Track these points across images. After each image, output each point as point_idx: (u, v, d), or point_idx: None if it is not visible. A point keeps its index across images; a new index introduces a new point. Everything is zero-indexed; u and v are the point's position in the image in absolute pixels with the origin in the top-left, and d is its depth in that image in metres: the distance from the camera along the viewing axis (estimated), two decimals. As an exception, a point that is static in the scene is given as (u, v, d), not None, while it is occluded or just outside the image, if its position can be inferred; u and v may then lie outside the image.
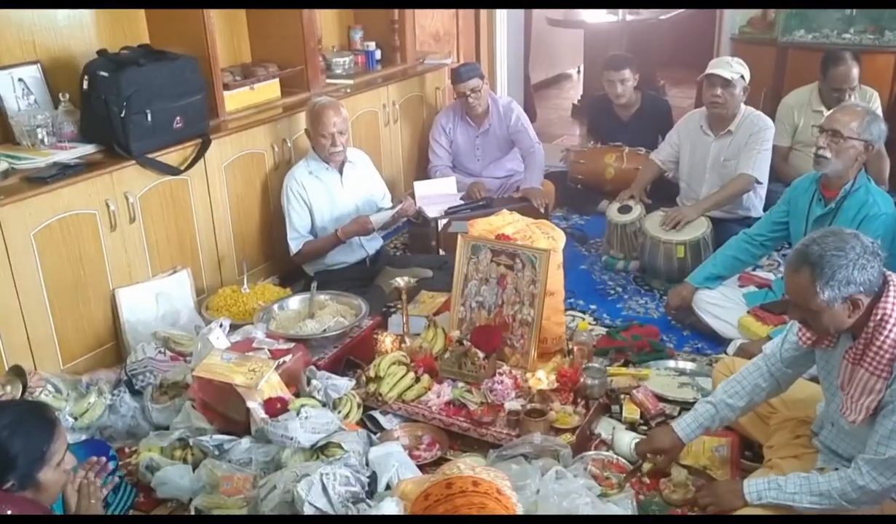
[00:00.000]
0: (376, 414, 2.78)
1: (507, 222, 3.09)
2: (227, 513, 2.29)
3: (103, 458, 2.24)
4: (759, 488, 2.09)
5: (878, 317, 1.92)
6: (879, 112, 4.18)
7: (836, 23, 4.75)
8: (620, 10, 6.47)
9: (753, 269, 3.50)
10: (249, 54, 4.10)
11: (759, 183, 3.80)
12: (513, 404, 2.67)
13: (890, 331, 1.90)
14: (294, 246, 3.56)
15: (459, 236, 3.06)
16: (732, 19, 5.18)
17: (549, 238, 3.03)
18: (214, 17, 3.53)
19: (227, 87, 3.64)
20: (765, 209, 3.67)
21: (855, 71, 4.04)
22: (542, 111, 7.05)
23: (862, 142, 2.86)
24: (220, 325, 2.80)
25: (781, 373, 2.29)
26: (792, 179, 3.34)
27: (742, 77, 3.73)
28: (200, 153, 3.32)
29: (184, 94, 3.21)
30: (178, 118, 3.20)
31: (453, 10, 5.58)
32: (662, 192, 4.21)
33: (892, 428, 1.92)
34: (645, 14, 6.64)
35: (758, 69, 4.45)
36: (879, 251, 1.93)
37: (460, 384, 2.82)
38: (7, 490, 1.84)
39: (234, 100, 3.69)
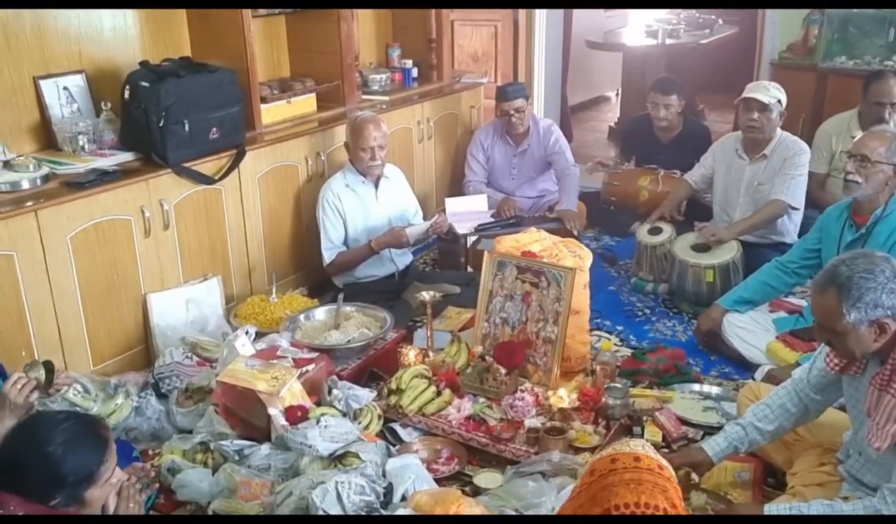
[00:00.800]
0: (396, 426, 2.79)
1: (534, 240, 3.10)
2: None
3: (147, 465, 2.27)
4: (781, 513, 2.05)
5: None
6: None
7: (879, 50, 4.69)
8: (660, 34, 6.44)
9: (786, 295, 3.44)
10: (288, 69, 4.19)
11: (793, 208, 3.75)
12: (533, 421, 2.67)
13: None
14: (328, 256, 3.60)
15: (486, 252, 3.08)
16: (772, 44, 5.14)
17: (575, 257, 3.03)
18: (255, 31, 3.61)
19: (264, 100, 3.72)
20: (800, 235, 3.62)
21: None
22: (578, 133, 7.05)
23: (891, 166, 2.83)
24: (246, 333, 2.85)
25: (810, 400, 2.25)
26: (828, 206, 3.29)
27: (779, 102, 3.70)
28: (235, 164, 3.38)
29: (221, 106, 3.28)
30: (214, 129, 3.27)
31: (492, 31, 5.64)
32: (696, 214, 4.17)
33: None
34: (685, 38, 6.62)
35: (797, 95, 4.43)
36: None
37: (481, 399, 2.81)
38: (53, 506, 1.81)
39: (271, 113, 3.76)
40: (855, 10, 4.75)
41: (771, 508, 2.07)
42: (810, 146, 3.96)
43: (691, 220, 4.00)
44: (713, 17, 7.26)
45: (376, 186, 3.66)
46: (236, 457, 2.51)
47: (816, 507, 2.00)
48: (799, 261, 3.18)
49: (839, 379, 2.16)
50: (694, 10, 7.47)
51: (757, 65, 5.28)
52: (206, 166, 3.30)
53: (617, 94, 8.22)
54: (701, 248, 3.69)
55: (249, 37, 3.51)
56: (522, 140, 4.48)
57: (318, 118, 3.95)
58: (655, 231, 3.91)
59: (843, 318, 1.89)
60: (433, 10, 4.69)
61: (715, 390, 3.00)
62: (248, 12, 3.49)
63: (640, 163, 4.70)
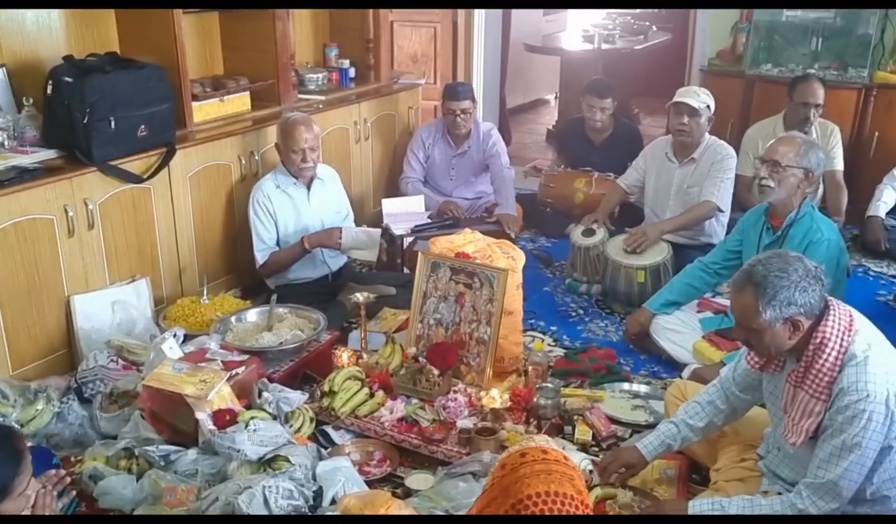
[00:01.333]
0: (328, 429, 2.77)
1: (467, 241, 3.11)
2: (170, 524, 2.27)
3: (62, 472, 2.20)
4: (703, 509, 2.10)
5: (818, 340, 1.95)
6: (840, 146, 4.29)
7: (802, 58, 4.86)
8: (596, 39, 6.54)
9: (713, 296, 3.53)
10: (222, 66, 4.11)
11: (720, 211, 3.86)
12: (465, 422, 2.67)
13: (828, 354, 1.94)
14: (260, 257, 3.55)
15: (420, 253, 3.08)
16: (703, 51, 5.27)
17: (508, 258, 3.05)
18: (186, 28, 3.54)
19: (195, 97, 3.64)
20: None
21: (820, 90, 4.16)
22: (517, 135, 7.11)
23: (801, 169, 2.92)
24: (174, 335, 2.79)
25: (736, 398, 2.31)
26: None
27: (708, 107, 3.80)
28: (165, 162, 3.31)
29: (149, 103, 3.20)
30: (142, 126, 3.19)
31: (432, 32, 5.64)
32: (628, 217, 4.26)
33: (830, 451, 1.94)
34: (620, 43, 6.73)
35: (725, 100, 4.55)
36: (822, 276, 1.96)
37: (414, 401, 2.81)
38: None
39: (203, 111, 3.69)
40: (781, 20, 4.89)
41: (695, 504, 2.12)
42: (738, 150, 4.08)
43: (623, 225, 4.08)
44: (647, 23, 7.42)
45: (308, 188, 3.62)
46: (162, 463, 2.45)
47: (737, 503, 2.06)
48: (721, 262, 3.27)
49: (761, 377, 2.22)
50: (629, 17, 7.62)
51: (688, 71, 5.41)
52: (134, 164, 3.22)
53: (555, 98, 8.33)
54: (632, 250, 3.75)
55: (180, 33, 3.43)
56: (463, 142, 4.50)
57: (252, 117, 3.89)
58: (589, 233, 3.97)
59: (759, 316, 1.94)
60: (371, 11, 4.67)
61: (643, 389, 3.06)
62: (178, 9, 3.41)
63: (575, 165, 4.77)
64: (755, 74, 4.91)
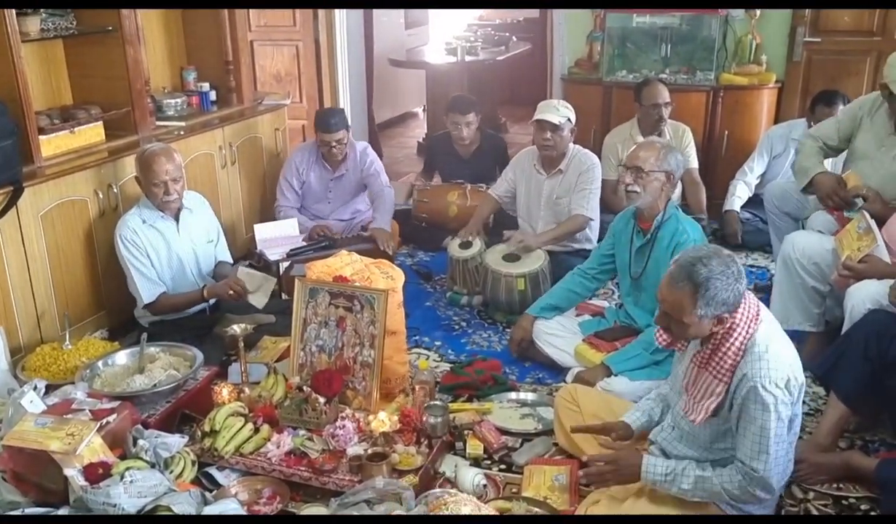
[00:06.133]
0: (213, 470, 2.65)
1: (344, 263, 3.06)
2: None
3: None
4: (657, 477, 2.18)
5: (727, 326, 2.08)
6: (692, 145, 4.53)
7: (654, 64, 5.10)
8: (459, 51, 6.64)
9: (590, 298, 3.63)
10: (70, 96, 3.88)
11: (591, 220, 3.98)
12: (355, 449, 2.62)
13: (735, 339, 2.08)
14: (147, 296, 3.36)
15: (297, 280, 3.00)
16: (562, 60, 5.43)
17: (388, 277, 3.02)
18: (27, 56, 3.31)
19: (42, 130, 3.41)
20: (599, 239, 3.84)
21: (665, 90, 4.39)
22: (388, 149, 7.11)
23: (663, 173, 3.04)
24: (35, 388, 2.58)
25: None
26: (621, 210, 3.51)
27: (569, 120, 3.91)
28: (12, 202, 3.08)
29: (-10, 140, 2.98)
30: (-17, 165, 2.96)
31: (294, 51, 5.53)
32: (503, 226, 4.32)
33: (751, 438, 2.06)
34: (483, 55, 6.86)
35: (586, 107, 4.72)
36: (743, 275, 2.09)
37: (301, 432, 2.73)
38: None
39: (52, 144, 3.46)
40: (632, 26, 5.11)
41: (649, 465, 2.19)
42: (600, 156, 4.22)
43: (498, 235, 4.14)
44: (507, 34, 7.60)
45: (177, 219, 3.46)
46: (29, 529, 2.27)
47: (689, 478, 2.14)
48: (597, 266, 3.37)
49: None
50: (489, 29, 7.79)
51: (549, 79, 5.56)
52: (-23, 207, 2.98)
53: (424, 110, 8.39)
54: (511, 258, 3.81)
55: (20, 63, 3.20)
56: (340, 165, 4.42)
57: (108, 148, 3.68)
58: (466, 245, 4.00)
59: (692, 312, 2.05)
60: (228, 31, 4.52)
61: (531, 397, 3.10)
62: (16, 37, 3.19)
63: (446, 178, 4.81)
64: (612, 81, 5.11)
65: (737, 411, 2.09)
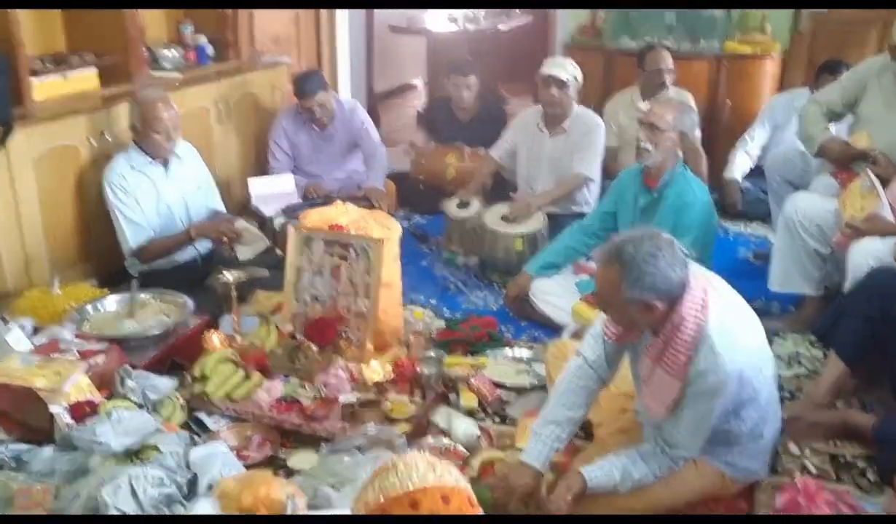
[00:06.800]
0: (202, 415, 2.61)
1: (340, 213, 3.01)
2: (25, 530, 2.05)
3: None
4: (598, 475, 2.06)
5: (676, 320, 1.95)
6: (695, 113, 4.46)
7: (658, 30, 5.03)
8: (460, 19, 6.56)
9: (587, 259, 3.59)
10: (64, 43, 3.79)
11: (591, 181, 3.93)
12: (347, 397, 2.58)
13: (684, 334, 1.95)
14: (133, 241, 3.29)
15: (291, 227, 2.95)
16: (565, 27, 5.37)
17: (384, 229, 2.97)
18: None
19: (35, 73, 3.34)
20: (597, 204, 3.80)
21: (668, 56, 4.34)
22: (386, 119, 7.01)
23: (677, 132, 3.01)
24: (21, 326, 2.54)
25: (604, 371, 2.25)
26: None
27: (576, 78, 3.87)
28: (1, 141, 3.01)
29: (-20, 79, 2.91)
30: (-28, 104, 2.90)
31: (293, 13, 5.44)
32: (500, 193, 4.27)
33: (687, 422, 2.02)
34: (484, 23, 6.77)
35: (588, 74, 4.60)
36: (687, 261, 1.97)
37: (293, 380, 2.69)
38: None
39: (45, 88, 3.39)
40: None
41: (586, 470, 2.07)
42: (601, 123, 4.17)
43: (497, 197, 4.10)
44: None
45: (165, 166, 3.40)
46: (13, 464, 2.22)
47: (618, 466, 2.06)
48: (598, 223, 3.32)
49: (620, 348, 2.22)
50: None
51: (552, 48, 5.49)
52: (-34, 146, 2.92)
53: (423, 82, 8.32)
54: (509, 219, 3.76)
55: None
56: (328, 125, 4.35)
57: (102, 95, 3.62)
58: (464, 205, 3.95)
59: (619, 294, 1.94)
60: (227, -15, 4.45)
61: (526, 354, 3.06)
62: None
63: (444, 142, 4.75)
64: (614, 48, 5.05)
65: (689, 395, 1.99)
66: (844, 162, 3.08)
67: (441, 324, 3.32)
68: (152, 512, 1.92)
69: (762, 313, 3.28)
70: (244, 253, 3.35)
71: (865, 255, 2.61)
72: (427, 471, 1.08)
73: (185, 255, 3.48)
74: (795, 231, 3.06)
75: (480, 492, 2.11)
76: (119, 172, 3.27)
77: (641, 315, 1.97)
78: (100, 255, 3.51)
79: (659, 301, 1.93)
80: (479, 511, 1.09)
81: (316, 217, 2.98)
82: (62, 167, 3.33)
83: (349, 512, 1.94)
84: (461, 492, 1.08)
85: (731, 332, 1.96)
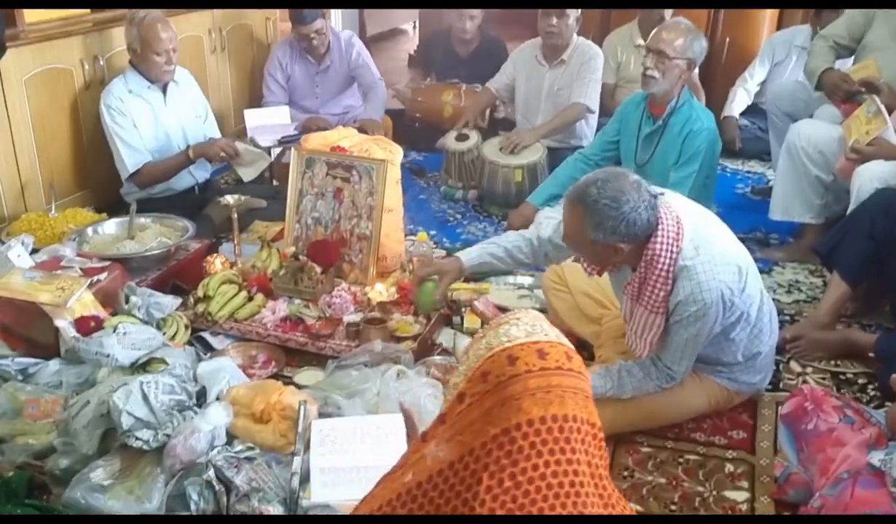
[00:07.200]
0: (206, 335, 2.60)
1: (342, 136, 2.98)
2: (34, 439, 2.04)
3: None
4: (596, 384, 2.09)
5: (649, 256, 1.95)
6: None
7: (658, -35, 4.94)
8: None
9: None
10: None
11: (590, 112, 3.90)
12: (352, 317, 2.58)
13: (660, 269, 1.95)
14: (131, 164, 3.22)
15: (293, 149, 2.92)
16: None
17: (386, 151, 2.95)
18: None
19: (27, -6, 3.26)
20: (597, 138, 3.78)
21: None
22: (377, 61, 6.91)
23: (685, 60, 2.96)
24: (22, 243, 2.50)
25: (550, 250, 2.40)
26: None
27: (575, 8, 3.81)
28: (-6, 62, 2.94)
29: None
30: (-37, 21, 2.81)
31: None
32: (498, 127, 4.24)
33: (674, 346, 2.03)
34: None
35: (586, 11, 4.57)
36: (656, 203, 1.95)
37: (297, 301, 2.68)
38: None
39: (36, 11, 3.30)
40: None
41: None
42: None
43: (495, 130, 4.06)
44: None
45: (164, 91, 3.34)
46: (19, 377, 2.21)
47: (617, 368, 2.11)
48: (600, 153, 3.30)
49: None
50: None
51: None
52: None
53: (413, 27, 8.22)
54: (508, 151, 3.73)
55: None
56: (324, 57, 4.27)
57: (94, 19, 3.52)
58: (462, 138, 3.92)
59: (584, 236, 1.93)
60: None
61: (528, 280, 3.05)
62: None
63: (441, 78, 4.69)
64: (614, -17, 4.97)
65: (671, 323, 2.01)
66: (843, 94, 3.05)
67: (441, 253, 3.31)
68: (165, 419, 1.91)
69: (761, 245, 3.37)
70: (247, 174, 3.33)
71: (870, 178, 2.61)
72: (520, 331, 1.07)
73: (183, 182, 3.44)
74: (798, 157, 3.06)
75: (422, 294, 2.42)
76: (116, 95, 3.21)
77: (609, 255, 1.97)
78: (96, 182, 3.47)
79: (623, 244, 1.92)
80: (579, 362, 1.09)
81: (318, 140, 2.94)
82: (55, 91, 3.26)
83: (361, 418, 1.97)
84: (559, 346, 1.07)
85: (707, 257, 1.95)
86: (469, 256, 2.43)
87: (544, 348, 1.06)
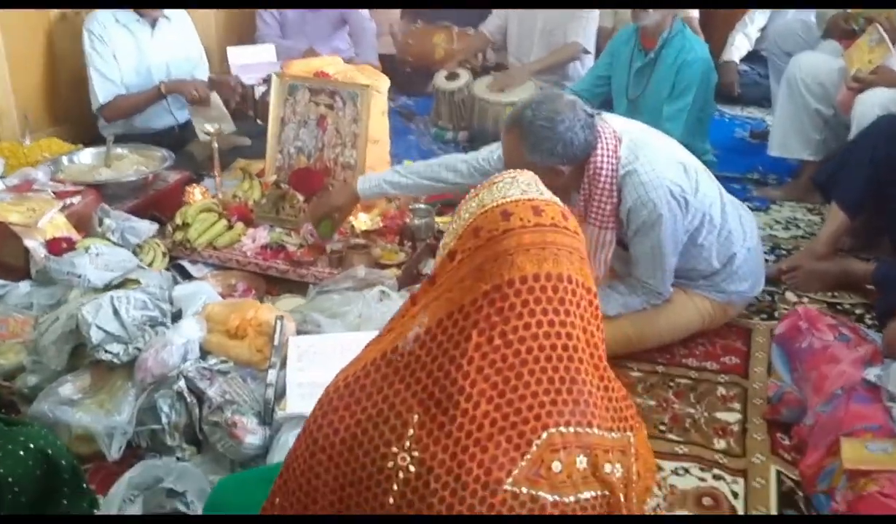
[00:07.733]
0: (185, 263, 2.52)
1: (326, 63, 2.88)
2: (3, 358, 1.97)
3: None
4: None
5: (591, 172, 1.93)
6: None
7: None
8: None
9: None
10: None
11: (586, 52, 3.81)
12: (335, 245, 2.50)
13: (603, 183, 1.92)
14: (102, 96, 3.12)
15: (273, 76, 2.81)
16: None
17: (372, 80, 2.85)
18: None
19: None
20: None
21: None
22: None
23: None
24: (-9, 164, 2.41)
25: (484, 174, 2.21)
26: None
27: None
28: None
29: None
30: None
31: None
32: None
33: (643, 257, 2.00)
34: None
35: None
36: (593, 122, 1.91)
37: (278, 229, 2.60)
38: None
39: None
40: None
41: None
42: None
43: (487, 73, 3.97)
44: None
45: (153, 26, 3.23)
46: (-12, 299, 2.13)
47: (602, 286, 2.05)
48: (590, 88, 3.23)
49: None
50: None
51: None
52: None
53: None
54: (499, 90, 3.64)
55: None
56: None
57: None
58: (453, 77, 3.82)
59: (523, 159, 1.87)
60: None
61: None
62: None
63: (432, 18, 4.58)
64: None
65: (631, 236, 1.98)
66: (840, 28, 2.97)
67: (430, 190, 3.23)
68: (137, 334, 1.84)
69: (759, 185, 3.30)
70: (204, 127, 3.04)
71: (871, 105, 2.54)
72: (516, 189, 1.01)
73: (163, 121, 3.34)
74: (797, 90, 2.97)
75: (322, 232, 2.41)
76: (101, 22, 3.10)
77: (549, 178, 1.89)
78: (72, 117, 3.36)
79: (563, 165, 1.89)
80: (575, 223, 1.02)
81: (300, 66, 2.85)
82: (28, 21, 3.15)
83: (341, 334, 1.90)
84: (554, 206, 1.01)
85: (647, 159, 1.92)
86: (367, 184, 2.33)
87: (539, 205, 0.99)
